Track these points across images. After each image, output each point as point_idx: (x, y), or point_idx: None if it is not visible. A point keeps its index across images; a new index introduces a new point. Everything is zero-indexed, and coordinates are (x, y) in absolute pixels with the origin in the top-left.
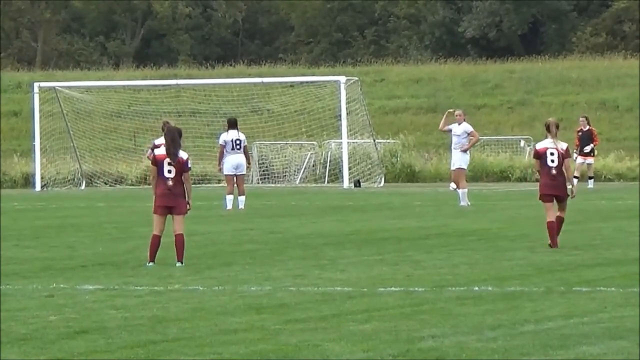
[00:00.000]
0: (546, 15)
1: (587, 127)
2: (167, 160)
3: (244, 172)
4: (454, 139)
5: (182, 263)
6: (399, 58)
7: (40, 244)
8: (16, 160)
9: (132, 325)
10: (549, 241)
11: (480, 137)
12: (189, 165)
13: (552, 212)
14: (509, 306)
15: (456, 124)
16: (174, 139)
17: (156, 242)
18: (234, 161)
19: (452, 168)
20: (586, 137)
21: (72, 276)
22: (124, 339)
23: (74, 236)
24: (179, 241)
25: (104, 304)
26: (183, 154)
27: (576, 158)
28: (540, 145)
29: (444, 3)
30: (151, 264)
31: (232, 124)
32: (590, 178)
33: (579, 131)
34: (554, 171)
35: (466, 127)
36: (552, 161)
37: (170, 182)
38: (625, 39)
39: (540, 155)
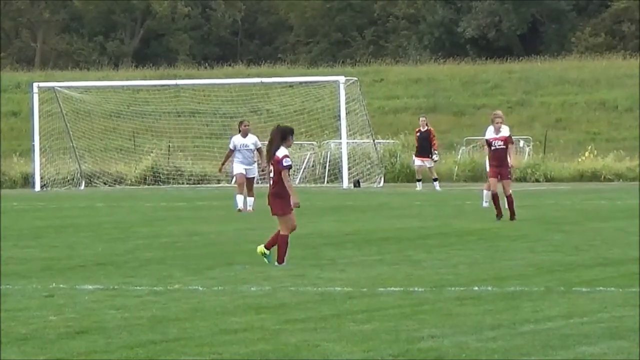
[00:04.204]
0: (545, 15)
1: (426, 128)
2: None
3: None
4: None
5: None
6: (398, 58)
7: (40, 244)
8: (15, 160)
9: (131, 325)
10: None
11: (479, 137)
12: (284, 164)
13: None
14: (509, 306)
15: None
16: (272, 139)
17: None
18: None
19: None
20: (424, 138)
21: (71, 276)
22: (124, 339)
23: (73, 236)
24: (279, 240)
25: (103, 304)
26: (279, 152)
27: (414, 160)
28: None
29: (443, 3)
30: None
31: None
32: (435, 180)
33: (417, 131)
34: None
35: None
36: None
37: (271, 182)
38: (624, 39)
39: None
